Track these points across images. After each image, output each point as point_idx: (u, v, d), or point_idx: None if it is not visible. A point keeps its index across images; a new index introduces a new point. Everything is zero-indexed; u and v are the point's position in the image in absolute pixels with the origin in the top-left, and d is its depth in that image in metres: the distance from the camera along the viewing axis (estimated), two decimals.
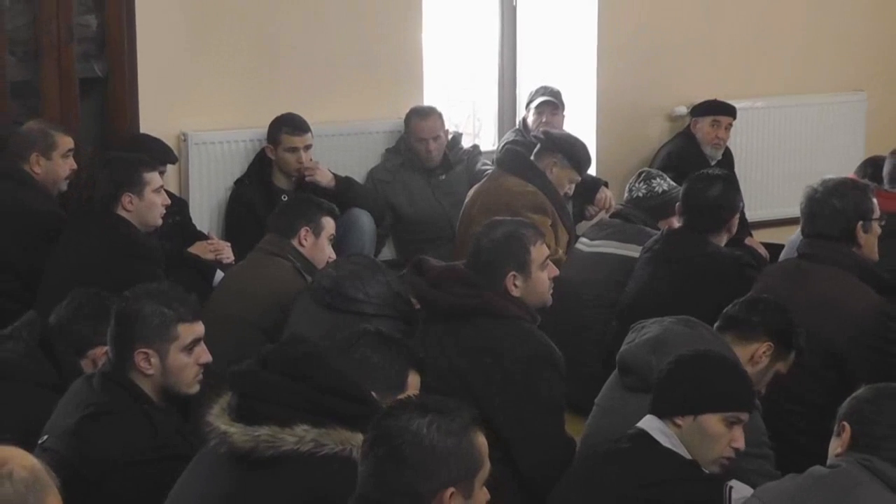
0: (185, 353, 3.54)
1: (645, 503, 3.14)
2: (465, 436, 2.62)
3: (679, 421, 3.26)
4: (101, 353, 3.77)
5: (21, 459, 2.25)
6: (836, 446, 3.09)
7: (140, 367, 3.49)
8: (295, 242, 4.85)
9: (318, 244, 4.88)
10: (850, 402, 3.11)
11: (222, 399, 2.97)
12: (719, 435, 3.26)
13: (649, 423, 3.30)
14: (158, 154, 5.66)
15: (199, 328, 3.59)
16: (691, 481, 3.19)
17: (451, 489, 2.59)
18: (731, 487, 3.15)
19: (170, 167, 5.91)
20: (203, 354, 3.58)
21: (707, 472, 3.27)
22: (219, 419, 2.92)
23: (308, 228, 4.87)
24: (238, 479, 2.88)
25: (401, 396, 3.22)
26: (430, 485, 2.58)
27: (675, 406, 3.28)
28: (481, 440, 2.66)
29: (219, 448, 2.90)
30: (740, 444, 3.28)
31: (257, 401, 2.89)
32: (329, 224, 4.94)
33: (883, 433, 3.01)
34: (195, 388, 3.57)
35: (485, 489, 2.67)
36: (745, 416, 3.32)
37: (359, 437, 2.82)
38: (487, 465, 2.67)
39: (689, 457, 3.25)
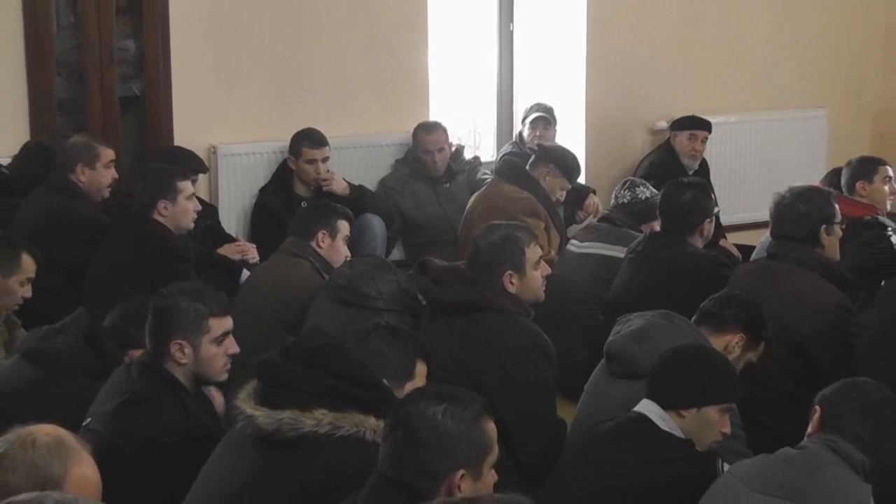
0: (216, 345, 3.54)
1: (647, 477, 3.14)
2: (477, 423, 2.63)
3: (684, 413, 3.26)
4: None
5: (46, 429, 2.22)
6: (809, 429, 3.12)
7: (175, 357, 3.49)
8: (313, 244, 4.84)
9: (335, 246, 4.87)
10: (824, 390, 3.14)
11: (248, 386, 2.97)
12: (715, 423, 3.28)
13: (647, 408, 3.28)
14: (190, 164, 5.66)
15: (228, 322, 3.59)
16: (689, 458, 3.21)
17: (462, 471, 2.59)
18: (722, 461, 3.20)
19: (201, 176, 5.90)
20: (231, 346, 3.58)
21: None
22: (245, 403, 2.92)
23: (325, 231, 4.86)
24: (262, 457, 2.88)
25: (409, 383, 3.24)
26: (443, 466, 2.58)
27: (681, 400, 3.27)
28: (491, 427, 2.66)
29: (245, 429, 2.90)
30: (728, 428, 3.32)
31: (280, 387, 2.89)
32: (344, 227, 4.92)
33: (848, 417, 3.02)
34: (224, 377, 3.58)
35: (493, 472, 2.68)
36: (734, 405, 3.36)
37: (372, 421, 2.83)
38: (496, 451, 2.67)
39: (683, 436, 3.26)
